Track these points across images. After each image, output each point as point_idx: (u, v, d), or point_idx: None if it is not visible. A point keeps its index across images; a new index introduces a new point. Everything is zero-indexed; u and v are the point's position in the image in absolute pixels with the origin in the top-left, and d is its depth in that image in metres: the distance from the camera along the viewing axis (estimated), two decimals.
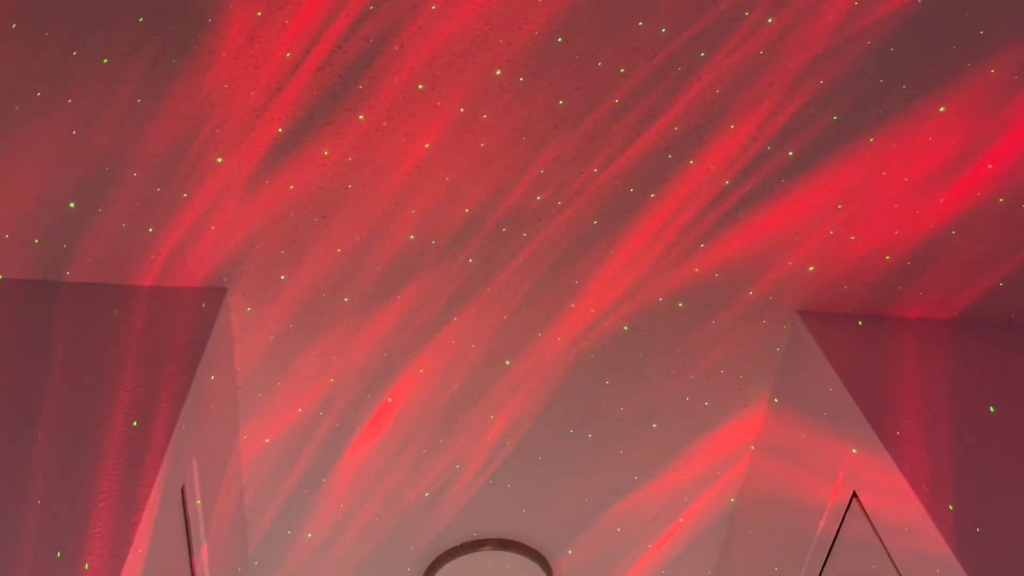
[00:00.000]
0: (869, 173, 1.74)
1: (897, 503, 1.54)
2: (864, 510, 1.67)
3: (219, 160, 1.60)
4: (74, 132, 1.55)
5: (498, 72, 1.57)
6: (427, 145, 1.64)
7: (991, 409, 1.70)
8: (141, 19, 1.44)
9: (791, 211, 1.78)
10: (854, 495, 1.71)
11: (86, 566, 1.15)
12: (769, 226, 1.79)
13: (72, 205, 1.63)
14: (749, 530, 2.20)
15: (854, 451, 1.69)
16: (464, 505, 2.20)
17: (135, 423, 1.39)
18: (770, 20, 1.54)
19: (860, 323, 1.93)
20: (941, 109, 1.65)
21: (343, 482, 2.11)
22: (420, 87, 1.57)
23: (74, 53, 1.47)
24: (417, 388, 1.99)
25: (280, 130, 1.58)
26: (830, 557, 1.81)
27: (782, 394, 2.01)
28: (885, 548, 1.59)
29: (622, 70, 1.58)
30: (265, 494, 2.10)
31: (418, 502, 2.18)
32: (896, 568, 1.55)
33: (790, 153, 1.70)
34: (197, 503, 1.59)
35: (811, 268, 1.87)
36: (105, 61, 1.48)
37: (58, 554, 1.17)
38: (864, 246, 1.84)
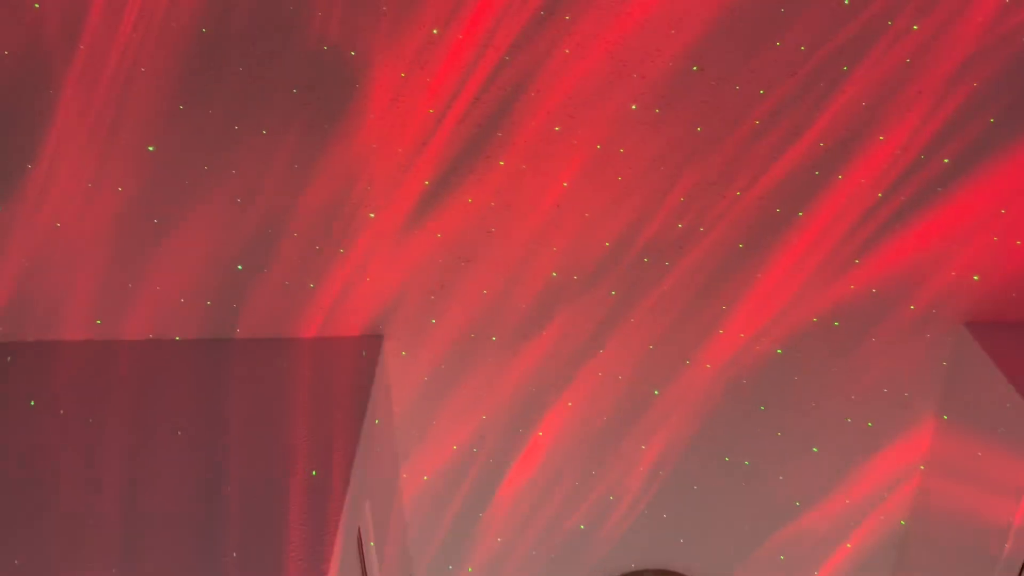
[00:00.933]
0: None
1: None
2: None
3: (371, 216, 1.68)
4: (238, 200, 1.66)
5: (633, 106, 1.58)
6: (565, 184, 1.66)
7: None
8: (295, 90, 1.53)
9: (950, 219, 1.69)
10: None
11: None
12: (927, 236, 1.71)
13: (239, 267, 1.74)
14: (923, 553, 2.09)
15: None
16: (620, 536, 2.19)
17: (314, 472, 1.47)
18: (915, 27, 1.48)
19: None
20: None
21: (500, 516, 2.15)
22: (557, 128, 1.60)
23: (235, 127, 1.58)
24: (566, 421, 2.00)
25: (427, 183, 1.64)
26: None
27: (951, 410, 1.91)
28: None
29: (761, 91, 1.56)
30: (427, 530, 2.16)
31: (574, 534, 2.18)
32: None
33: (945, 160, 1.62)
34: (371, 545, 1.66)
35: (976, 277, 1.77)
36: (264, 132, 1.58)
37: None
38: None
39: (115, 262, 1.73)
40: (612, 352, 1.91)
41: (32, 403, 1.68)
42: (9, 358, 1.78)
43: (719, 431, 2.01)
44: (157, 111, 1.55)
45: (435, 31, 1.48)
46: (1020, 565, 1.70)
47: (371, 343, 1.81)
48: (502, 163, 1.63)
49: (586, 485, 2.11)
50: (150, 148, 1.60)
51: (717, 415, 1.98)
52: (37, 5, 1.44)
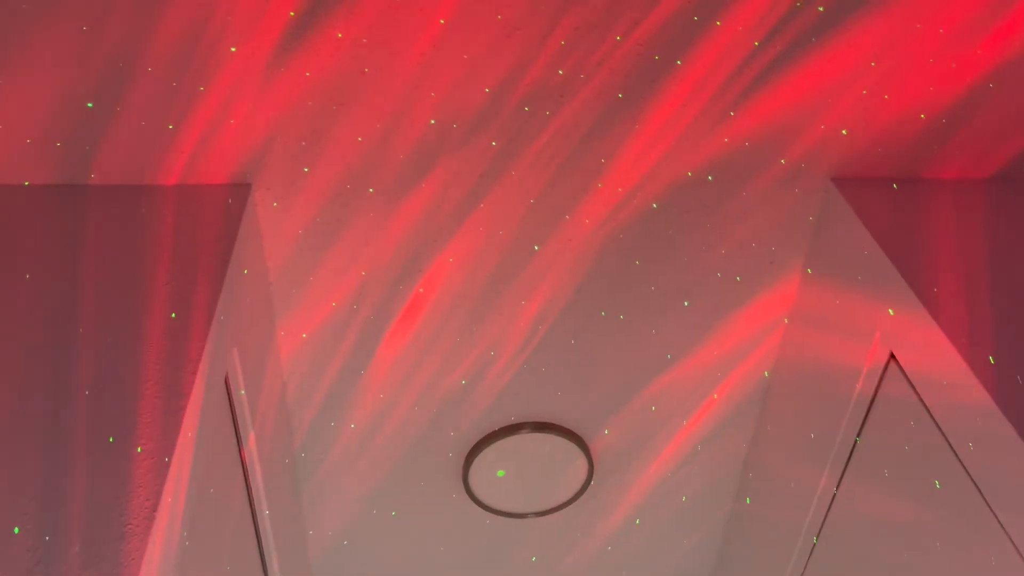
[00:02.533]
0: (903, 26, 1.66)
1: (936, 359, 1.53)
2: (902, 369, 1.67)
3: (232, 49, 1.57)
4: (84, 27, 1.51)
5: None
6: (442, 20, 1.59)
7: None
8: None
9: (822, 71, 1.71)
10: (892, 356, 1.71)
11: (139, 448, 1.19)
12: (800, 89, 1.73)
13: (90, 105, 1.61)
14: (784, 402, 2.22)
15: (891, 312, 1.67)
16: (500, 391, 2.23)
17: (173, 314, 1.41)
18: None
19: (895, 186, 1.89)
20: None
21: (381, 373, 2.15)
22: None
23: None
24: (448, 277, 1.99)
25: (292, 13, 1.54)
26: (868, 418, 1.82)
27: (816, 263, 1.99)
28: (924, 404, 1.60)
29: None
30: (307, 388, 2.14)
31: (456, 389, 2.21)
32: (936, 423, 1.56)
33: (820, 8, 1.62)
34: (241, 392, 1.63)
35: (844, 132, 1.81)
36: None
37: (111, 439, 1.20)
38: (898, 105, 1.78)
39: None
40: (493, 206, 1.89)
41: None
42: None
43: (596, 286, 2.04)
44: None
45: None
46: (868, 402, 1.83)
47: (238, 192, 1.73)
48: None
49: (467, 341, 2.12)
50: None
51: (594, 270, 2.01)
52: None
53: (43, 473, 1.15)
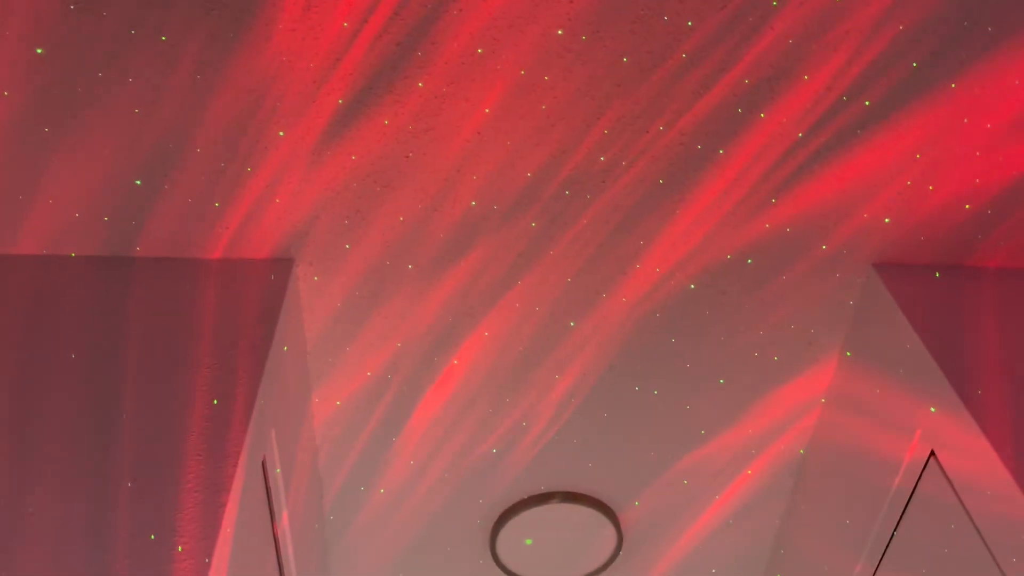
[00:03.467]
0: (950, 120, 1.65)
1: (979, 465, 1.50)
2: (943, 470, 1.64)
3: (281, 134, 1.59)
4: (136, 111, 1.55)
5: (559, 32, 1.52)
6: (487, 110, 1.61)
7: None
8: None
9: (867, 162, 1.71)
10: (932, 454, 1.68)
11: (179, 548, 1.19)
12: (844, 178, 1.73)
13: (138, 182, 1.64)
14: (819, 481, 2.19)
15: (932, 410, 1.65)
16: (531, 461, 2.22)
17: (215, 401, 1.43)
18: None
19: (937, 274, 1.87)
20: None
21: (412, 440, 2.15)
22: (480, 51, 1.53)
23: (132, 32, 1.46)
24: (482, 350, 1.99)
25: (340, 101, 1.56)
26: (906, 513, 1.79)
27: (855, 348, 1.97)
28: (966, 510, 1.57)
29: (689, 23, 1.52)
30: (338, 454, 2.15)
31: (486, 458, 2.21)
32: (977, 530, 1.53)
33: (867, 103, 1.62)
34: (277, 472, 1.64)
35: (887, 220, 1.80)
36: (163, 38, 1.47)
37: (152, 536, 1.21)
38: (943, 195, 1.77)
39: (4, 173, 1.61)
40: (530, 284, 1.89)
41: None
42: None
43: (631, 362, 2.04)
44: (45, 11, 1.42)
45: None
46: (907, 498, 1.80)
47: (281, 267, 1.75)
48: (421, 85, 1.56)
49: (499, 412, 2.12)
50: (38, 51, 1.47)
51: (629, 347, 2.01)
52: None
53: (86, 572, 1.16)
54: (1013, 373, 1.61)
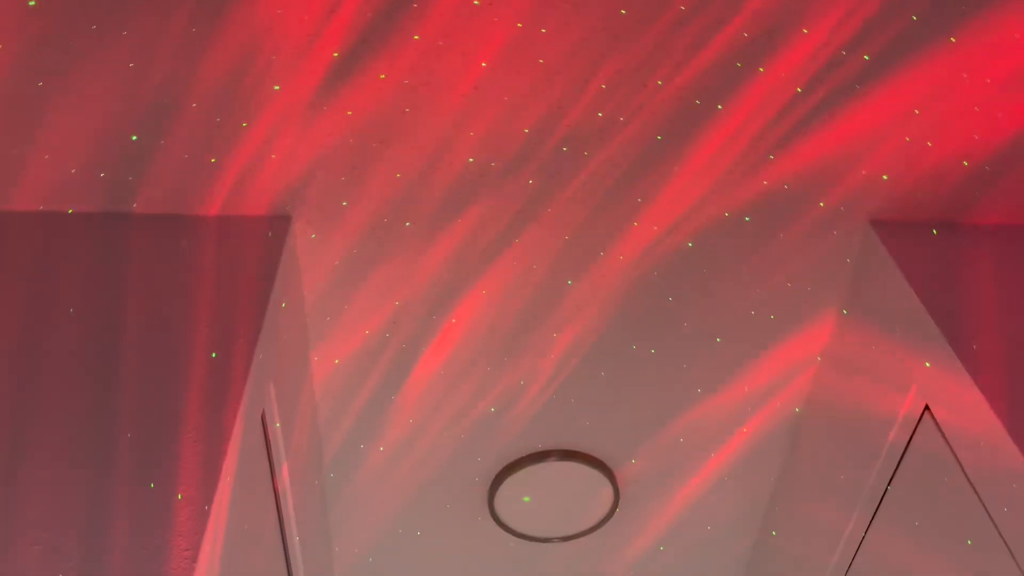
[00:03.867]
0: (949, 75, 1.64)
1: (972, 419, 1.52)
2: (937, 424, 1.65)
3: (276, 88, 1.58)
4: (131, 64, 1.54)
5: None
6: (484, 64, 1.60)
7: None
8: None
9: (865, 118, 1.70)
10: (926, 408, 1.69)
11: (179, 496, 1.21)
12: (842, 134, 1.72)
13: (134, 137, 1.64)
14: (814, 439, 2.21)
15: (927, 365, 1.66)
16: (529, 419, 2.24)
17: (214, 354, 1.44)
18: None
19: (935, 231, 1.87)
20: None
21: (411, 399, 2.17)
22: (476, 2, 1.52)
23: None
24: (481, 309, 2.00)
25: (335, 54, 1.55)
26: (900, 467, 1.81)
27: (852, 306, 1.97)
28: (959, 462, 1.58)
29: None
30: (337, 412, 2.17)
31: (484, 417, 2.22)
32: (970, 482, 1.55)
33: (865, 57, 1.61)
34: (276, 426, 1.65)
35: (885, 176, 1.80)
36: None
37: (151, 485, 1.22)
38: (942, 152, 1.76)
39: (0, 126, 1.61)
40: (528, 242, 1.89)
41: None
42: None
43: (629, 321, 2.04)
44: None
45: None
46: (901, 452, 1.81)
47: (278, 223, 1.75)
48: (417, 37, 1.55)
49: (498, 371, 2.13)
50: (31, 2, 1.46)
51: (627, 306, 2.01)
52: None
53: (86, 519, 1.18)
54: (1008, 328, 1.62)
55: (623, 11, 1.54)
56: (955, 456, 1.60)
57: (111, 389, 1.37)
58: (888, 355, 1.82)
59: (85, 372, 1.40)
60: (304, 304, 1.93)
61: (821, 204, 1.84)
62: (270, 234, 1.72)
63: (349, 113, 1.64)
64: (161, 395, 1.36)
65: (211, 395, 1.36)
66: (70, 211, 1.75)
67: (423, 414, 2.21)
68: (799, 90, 1.66)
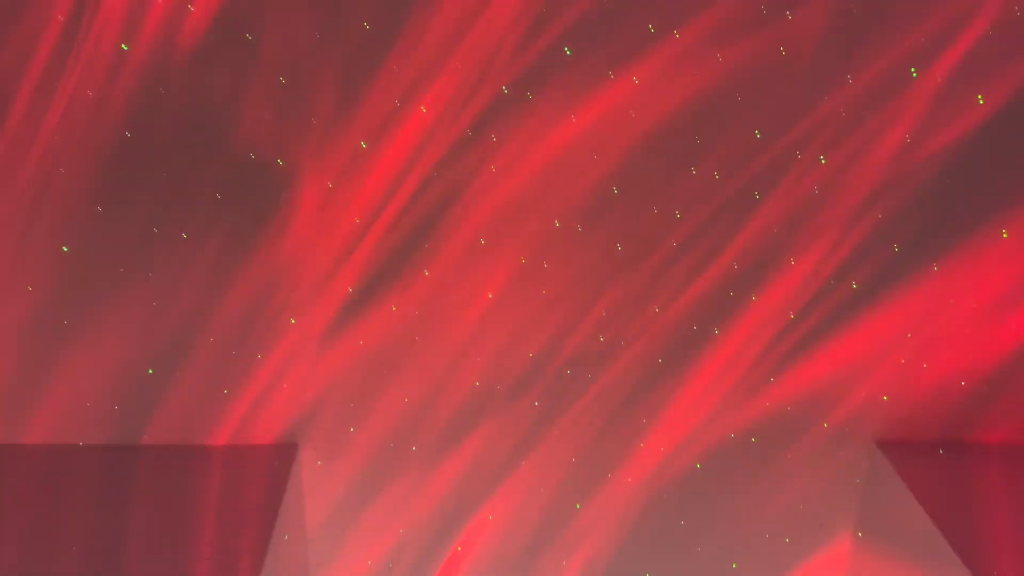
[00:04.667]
0: (936, 300, 1.72)
1: None
2: None
3: (292, 321, 1.65)
4: (154, 304, 1.62)
5: (557, 223, 1.61)
6: (490, 295, 1.68)
7: None
8: (219, 195, 1.52)
9: (860, 342, 1.75)
10: None
11: None
12: (838, 358, 1.77)
13: (150, 371, 1.69)
14: None
15: None
16: None
17: None
18: (823, 159, 1.57)
19: (941, 451, 1.86)
20: (1004, 234, 1.64)
21: None
22: (482, 241, 1.62)
23: (155, 230, 1.55)
24: (487, 536, 1.96)
25: (350, 290, 1.63)
26: None
27: (866, 528, 1.93)
28: None
29: (678, 214, 1.61)
30: None
31: None
32: None
33: (854, 285, 1.69)
34: None
35: (885, 397, 1.83)
36: (184, 236, 1.56)
37: None
38: (938, 372, 1.80)
39: (21, 363, 1.66)
40: (534, 465, 1.89)
41: None
42: None
43: (640, 547, 1.99)
44: (74, 212, 1.52)
45: (363, 144, 1.50)
46: None
47: (285, 452, 1.76)
48: (427, 273, 1.64)
49: None
50: (64, 248, 1.56)
51: (638, 530, 1.97)
52: None
53: None
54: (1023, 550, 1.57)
55: (619, 247, 1.64)
56: None
57: None
58: None
59: None
60: (307, 533, 1.89)
61: (824, 425, 1.86)
62: (277, 463, 1.72)
63: (361, 343, 1.70)
64: None
65: None
66: (80, 444, 1.76)
67: None
68: (792, 316, 1.72)
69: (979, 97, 1.52)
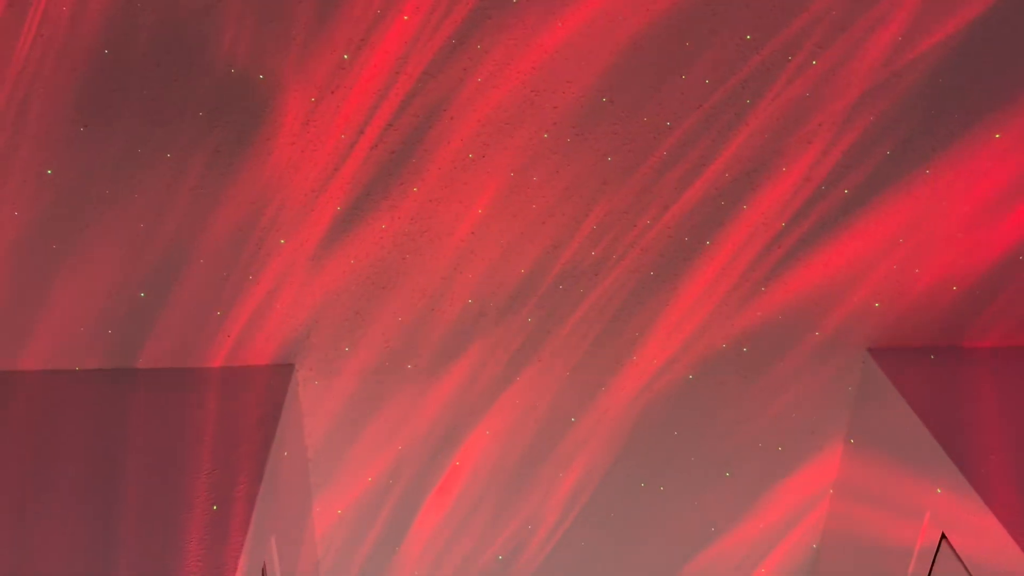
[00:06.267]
0: (928, 205, 1.71)
1: (990, 545, 1.48)
2: (955, 552, 1.61)
3: (282, 241, 1.65)
4: (141, 225, 1.61)
5: (545, 135, 1.59)
6: (480, 211, 1.67)
7: None
8: (201, 113, 1.50)
9: (851, 248, 1.75)
10: (943, 536, 1.65)
11: None
12: (830, 265, 1.77)
13: (142, 295, 1.69)
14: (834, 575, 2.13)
15: (938, 491, 1.63)
16: (538, 566, 2.17)
17: (215, 507, 1.42)
18: (814, 62, 1.54)
19: (932, 356, 1.88)
20: (996, 135, 1.62)
21: (416, 549, 2.11)
22: (470, 156, 1.60)
23: (138, 150, 1.53)
24: (484, 450, 1.99)
25: (339, 208, 1.62)
26: None
27: (858, 434, 1.96)
28: None
29: (668, 123, 1.59)
30: (340, 564, 2.11)
31: (492, 565, 2.16)
32: None
33: (845, 191, 1.68)
34: None
35: (877, 304, 1.83)
36: (168, 155, 1.54)
37: None
38: (930, 278, 1.81)
39: (11, 290, 1.66)
40: (529, 380, 1.91)
41: None
42: None
43: (634, 458, 2.02)
44: (56, 133, 1.50)
45: (345, 56, 1.47)
46: None
47: (281, 372, 1.77)
48: (416, 189, 1.62)
49: (504, 515, 2.09)
50: (48, 171, 1.54)
51: (632, 442, 2.00)
52: None
53: None
54: (1015, 450, 1.60)
55: (609, 157, 1.62)
56: None
57: (112, 542, 1.35)
58: (899, 483, 1.79)
59: (86, 525, 1.38)
60: (306, 452, 1.92)
61: (816, 333, 1.87)
62: (273, 383, 1.73)
63: (352, 261, 1.69)
64: (161, 549, 1.33)
65: (211, 549, 1.34)
66: (76, 369, 1.77)
67: (428, 566, 2.15)
68: (783, 225, 1.72)
69: None
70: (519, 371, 1.89)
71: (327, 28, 1.44)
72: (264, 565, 1.53)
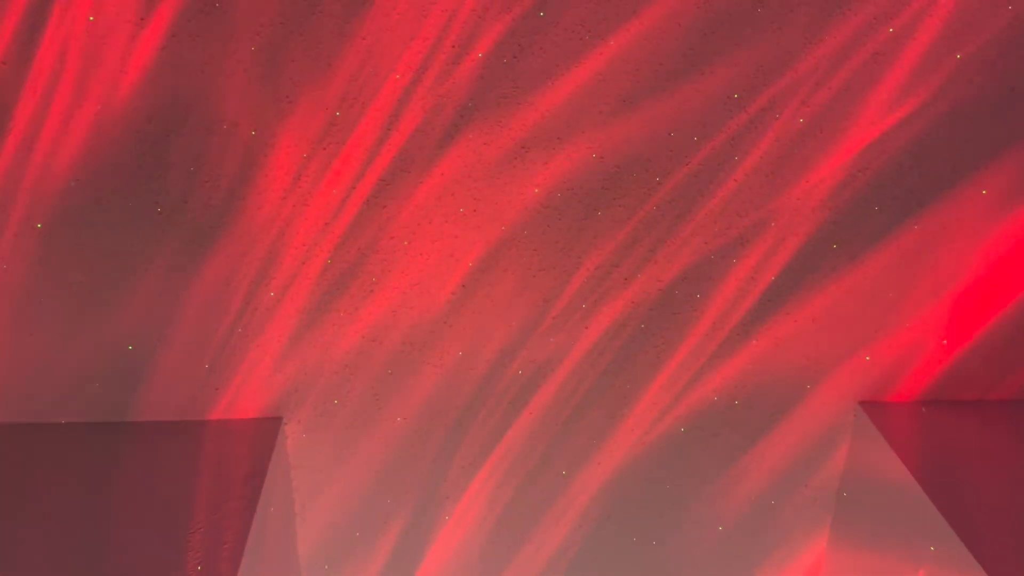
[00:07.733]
0: (916, 260, 1.72)
1: None
2: None
3: (271, 295, 1.64)
4: (130, 279, 1.60)
5: (536, 190, 1.60)
6: (471, 264, 1.67)
7: None
8: (192, 169, 1.50)
9: (841, 302, 1.75)
10: None
11: None
12: (820, 319, 1.77)
13: (130, 347, 1.67)
14: None
15: (932, 548, 1.62)
16: None
17: (199, 567, 1.39)
18: (801, 120, 1.56)
19: (923, 409, 1.88)
20: (983, 192, 1.64)
21: None
22: (462, 210, 1.61)
23: (127, 204, 1.53)
24: (476, 505, 1.96)
25: (329, 262, 1.62)
26: None
27: (850, 488, 1.95)
28: None
29: (657, 179, 1.60)
30: None
31: None
32: None
33: (834, 246, 1.69)
34: None
35: (867, 358, 1.83)
36: (159, 210, 1.54)
37: None
38: (919, 331, 1.81)
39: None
40: (520, 433, 1.89)
41: None
42: None
43: (627, 512, 2.00)
44: (46, 190, 1.50)
45: (338, 113, 1.48)
46: None
47: (269, 426, 1.75)
48: (407, 243, 1.63)
49: (494, 570, 2.06)
50: (38, 225, 1.54)
51: (625, 495, 1.98)
52: None
53: None
54: (1008, 507, 1.59)
55: (599, 212, 1.63)
56: None
57: None
58: (892, 539, 1.77)
59: None
60: (293, 507, 1.89)
61: (808, 387, 1.87)
62: (261, 436, 1.72)
63: (341, 315, 1.69)
64: None
65: None
66: (62, 422, 1.75)
67: None
68: (773, 279, 1.72)
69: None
70: (510, 424, 1.87)
71: (320, 85, 1.45)
72: None
